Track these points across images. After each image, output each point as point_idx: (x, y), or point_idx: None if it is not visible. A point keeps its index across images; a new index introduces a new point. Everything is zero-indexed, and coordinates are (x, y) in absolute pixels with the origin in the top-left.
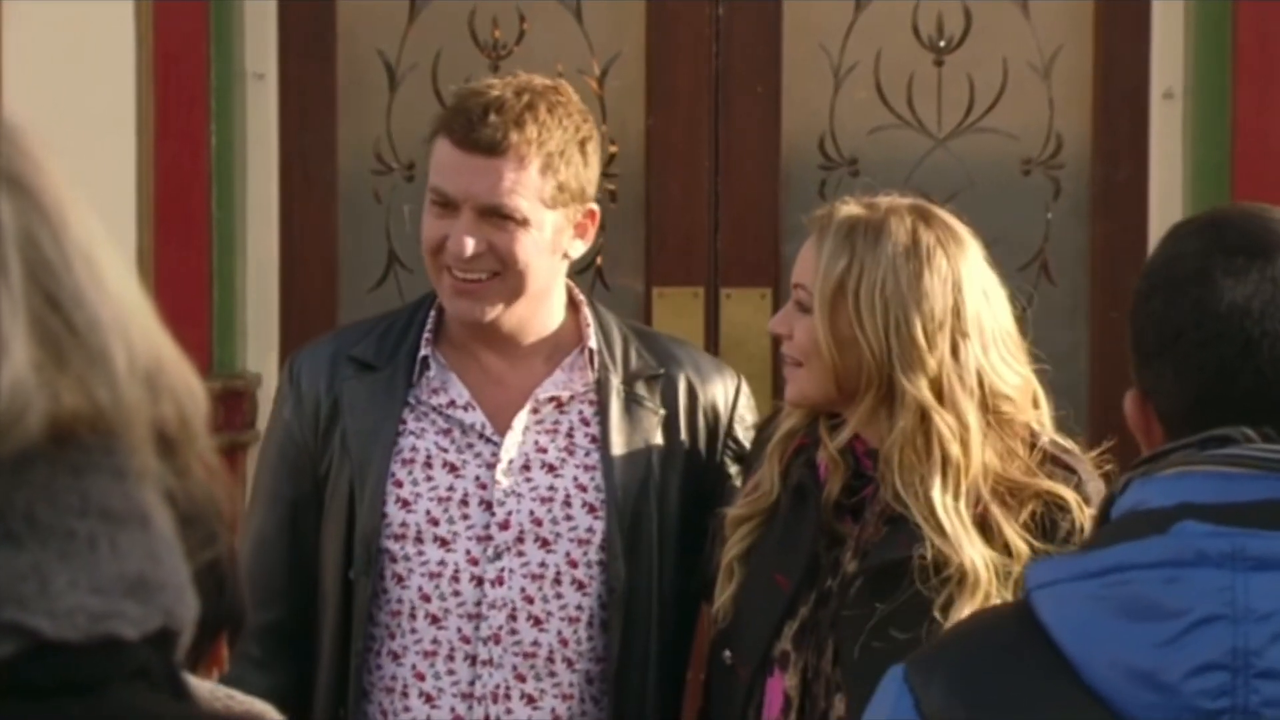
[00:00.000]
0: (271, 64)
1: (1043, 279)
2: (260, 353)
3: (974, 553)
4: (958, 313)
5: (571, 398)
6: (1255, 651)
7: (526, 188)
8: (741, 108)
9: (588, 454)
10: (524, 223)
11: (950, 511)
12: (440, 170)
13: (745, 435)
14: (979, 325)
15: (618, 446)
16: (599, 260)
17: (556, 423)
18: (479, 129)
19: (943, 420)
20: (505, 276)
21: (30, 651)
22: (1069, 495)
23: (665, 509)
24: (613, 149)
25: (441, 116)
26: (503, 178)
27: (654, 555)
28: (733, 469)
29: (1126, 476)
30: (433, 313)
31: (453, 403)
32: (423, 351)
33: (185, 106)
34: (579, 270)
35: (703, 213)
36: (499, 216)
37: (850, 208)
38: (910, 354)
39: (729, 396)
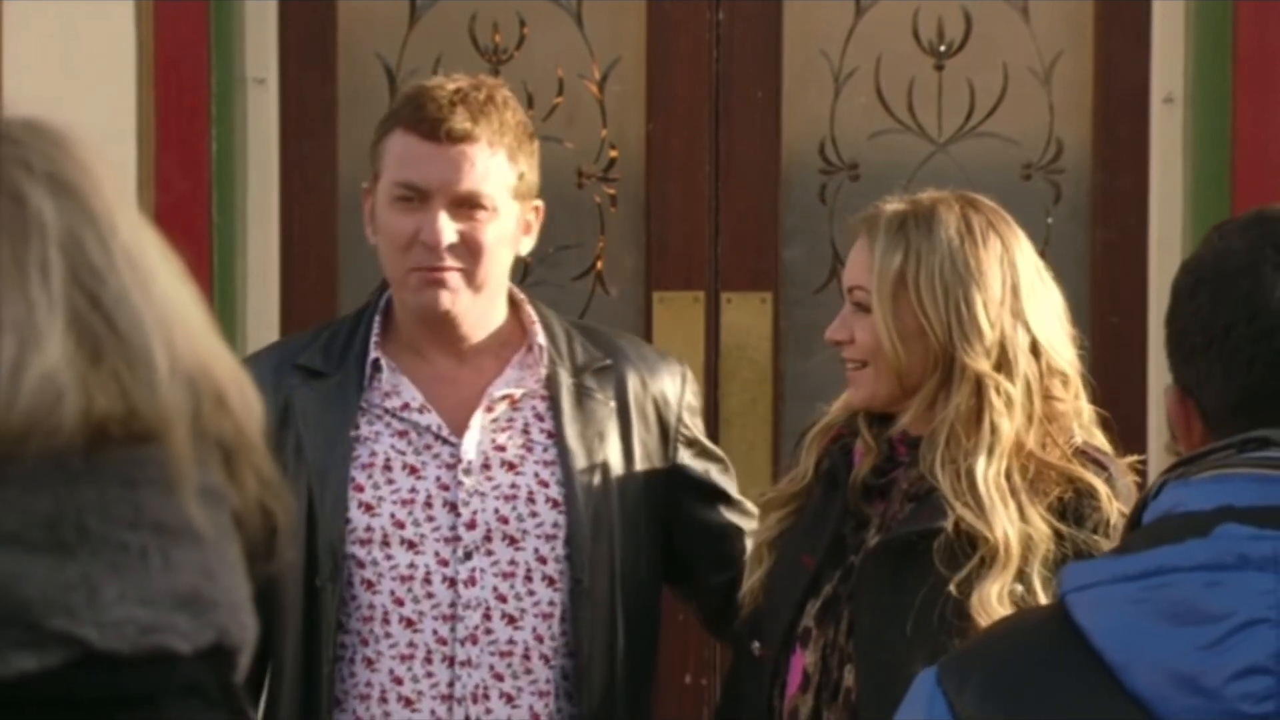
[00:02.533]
0: (272, 69)
1: None
2: None
3: (1008, 525)
4: (1015, 290)
5: (524, 395)
6: None
7: (497, 176)
8: (742, 112)
9: (545, 449)
10: (494, 211)
11: (990, 484)
12: (407, 163)
13: (694, 423)
14: (1035, 302)
15: (574, 440)
16: (599, 265)
17: (511, 420)
18: (449, 119)
19: (997, 391)
20: (473, 267)
21: (78, 662)
22: (1100, 486)
23: (624, 500)
24: (613, 154)
25: (398, 112)
26: (475, 165)
27: (615, 546)
28: (685, 456)
29: (1161, 479)
30: (378, 317)
31: (407, 405)
32: (373, 355)
33: (186, 111)
34: (578, 275)
35: (703, 217)
36: (470, 206)
37: (895, 204)
38: (972, 333)
39: (677, 386)
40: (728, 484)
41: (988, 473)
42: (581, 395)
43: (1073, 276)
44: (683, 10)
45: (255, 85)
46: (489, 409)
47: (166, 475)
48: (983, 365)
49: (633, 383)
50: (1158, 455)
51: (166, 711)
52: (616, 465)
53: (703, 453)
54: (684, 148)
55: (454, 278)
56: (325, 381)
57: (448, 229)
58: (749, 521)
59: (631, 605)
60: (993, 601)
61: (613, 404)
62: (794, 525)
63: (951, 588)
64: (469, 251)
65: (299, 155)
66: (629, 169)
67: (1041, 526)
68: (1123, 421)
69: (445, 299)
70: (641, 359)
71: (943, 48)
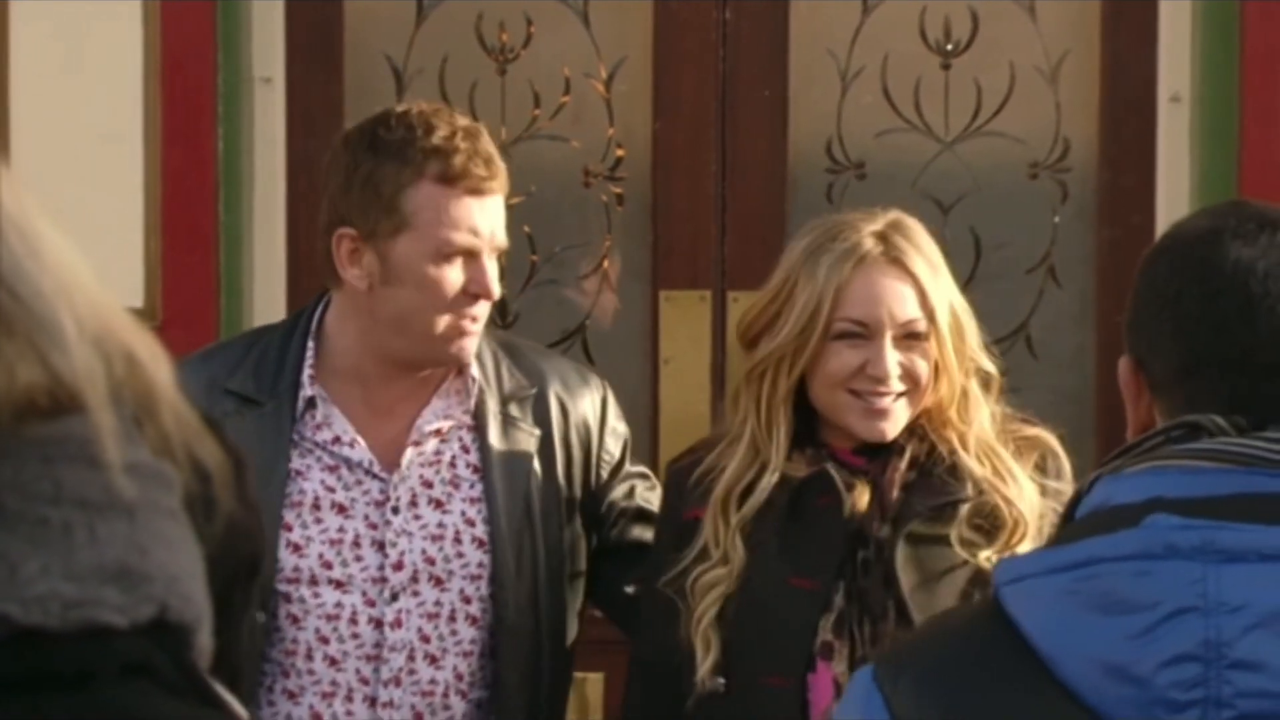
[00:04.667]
0: (278, 68)
1: (1049, 282)
2: None
3: (1028, 487)
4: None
5: (451, 427)
6: (1227, 643)
7: None
8: (748, 111)
9: (472, 485)
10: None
11: (1007, 457)
12: (459, 221)
13: (616, 445)
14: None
15: (499, 476)
16: (605, 264)
17: (438, 454)
18: (486, 173)
19: (974, 392)
20: (486, 313)
21: (6, 641)
22: (1052, 438)
23: (547, 532)
24: (619, 153)
25: (420, 164)
26: (501, 214)
27: (540, 581)
28: (607, 480)
29: (1095, 474)
30: (310, 343)
31: (338, 439)
32: (308, 391)
33: (192, 111)
34: (584, 274)
35: (709, 216)
36: (499, 254)
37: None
38: (966, 351)
39: (597, 409)
40: (650, 499)
41: (1000, 446)
42: (507, 425)
43: (1079, 275)
44: (689, 9)
45: (262, 84)
46: (417, 444)
47: (88, 451)
48: (978, 360)
49: (555, 410)
50: None
51: (105, 693)
52: (541, 498)
53: (624, 475)
54: (690, 147)
55: (480, 326)
56: (259, 411)
57: (496, 281)
58: None
59: (554, 631)
60: None
61: (537, 433)
62: (752, 568)
63: (988, 557)
64: (490, 298)
65: (305, 154)
66: (635, 168)
67: (1033, 487)
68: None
69: (471, 347)
70: (564, 383)
71: (949, 47)
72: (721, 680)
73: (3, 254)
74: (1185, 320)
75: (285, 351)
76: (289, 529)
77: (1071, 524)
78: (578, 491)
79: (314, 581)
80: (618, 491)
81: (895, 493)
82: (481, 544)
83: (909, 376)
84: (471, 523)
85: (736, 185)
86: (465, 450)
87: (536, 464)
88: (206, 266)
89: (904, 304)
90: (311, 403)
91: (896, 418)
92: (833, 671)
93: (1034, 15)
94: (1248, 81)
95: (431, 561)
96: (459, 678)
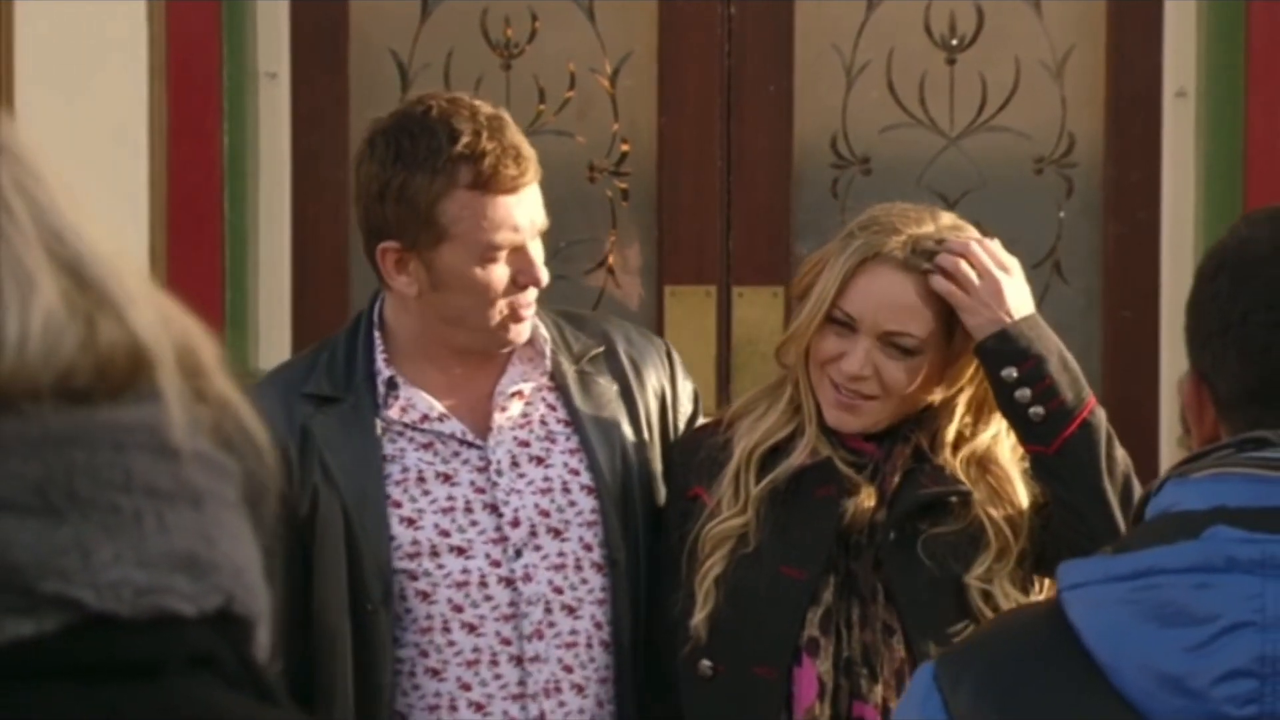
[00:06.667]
0: (284, 63)
1: (1055, 278)
2: (272, 353)
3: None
4: None
5: (533, 389)
6: None
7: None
8: (753, 107)
9: (568, 439)
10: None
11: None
12: (496, 224)
13: (688, 399)
14: None
15: (591, 426)
16: (610, 259)
17: (526, 416)
18: (517, 171)
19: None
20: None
21: (76, 628)
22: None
23: (642, 480)
24: (624, 148)
25: (461, 171)
26: (537, 200)
27: (639, 526)
28: (681, 429)
29: (1164, 477)
30: (376, 334)
31: (426, 417)
32: (386, 372)
33: (198, 106)
34: (590, 269)
35: (715, 211)
36: (540, 233)
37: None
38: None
39: (665, 364)
40: None
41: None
42: (586, 381)
43: (1085, 271)
44: (694, 5)
45: (267, 80)
46: (503, 408)
47: (157, 439)
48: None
49: (627, 364)
50: (1169, 449)
51: (172, 684)
52: (631, 446)
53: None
54: (695, 142)
55: (532, 310)
56: (339, 405)
57: (542, 267)
58: None
59: (649, 581)
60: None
61: (615, 388)
62: (754, 545)
63: (979, 573)
64: (540, 285)
65: (310, 149)
66: (640, 163)
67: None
68: (1134, 415)
69: (526, 330)
70: (629, 341)
71: (954, 42)
72: (709, 664)
73: (67, 220)
74: (1252, 344)
75: (353, 348)
76: (399, 505)
77: (1136, 529)
78: (658, 441)
79: (435, 553)
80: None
81: (895, 479)
82: (591, 491)
83: (882, 383)
84: (576, 472)
85: (741, 181)
86: (551, 409)
87: (623, 414)
88: (212, 261)
89: (896, 313)
90: (392, 385)
91: (866, 415)
92: (816, 669)
93: (1039, 10)
94: (1253, 77)
95: (546, 514)
96: (598, 626)
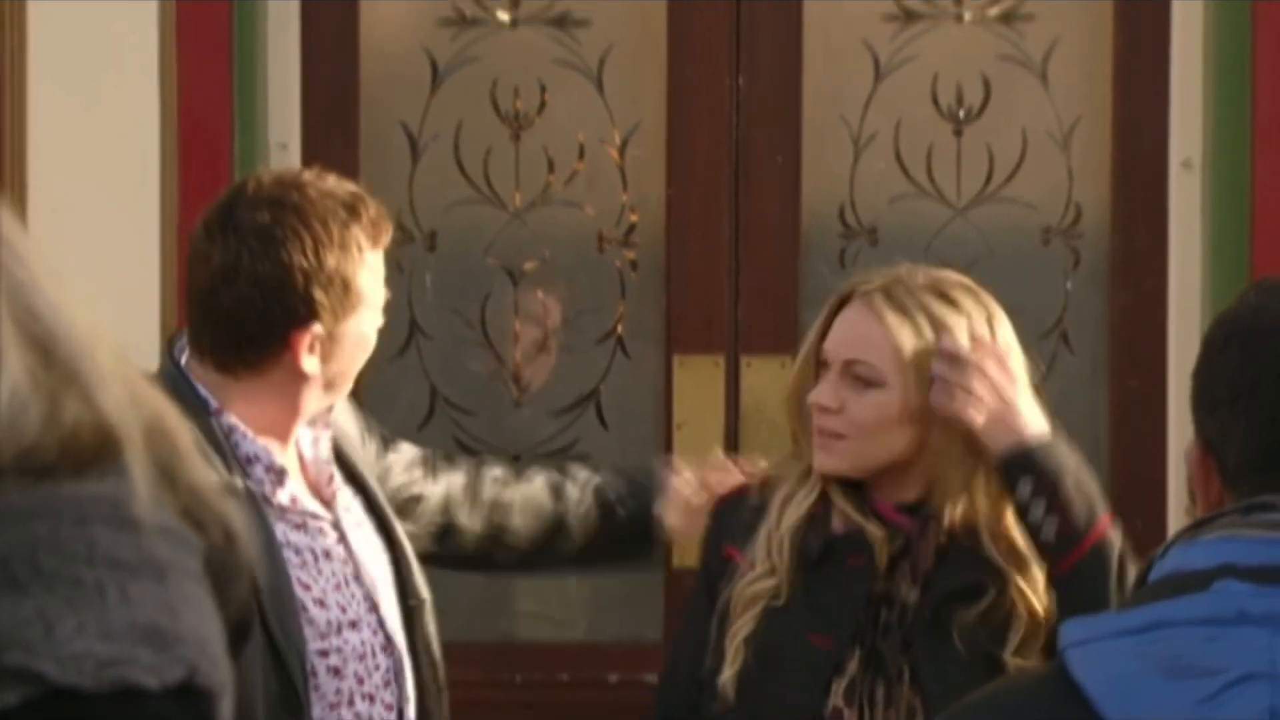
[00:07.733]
0: (294, 134)
1: (1062, 348)
2: None
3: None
4: None
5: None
6: None
7: None
8: (761, 177)
9: (353, 495)
10: None
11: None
12: (381, 278)
13: (371, 435)
14: None
15: (367, 476)
16: (619, 328)
17: (333, 477)
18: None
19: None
20: None
21: (38, 701)
22: None
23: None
24: (633, 218)
25: (362, 228)
26: None
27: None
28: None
29: (1169, 542)
30: (230, 415)
31: (295, 499)
32: (275, 461)
33: (209, 177)
34: (599, 339)
35: (723, 281)
36: None
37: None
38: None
39: (350, 415)
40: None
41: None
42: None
43: (1092, 339)
44: (703, 75)
45: (278, 150)
46: (330, 476)
47: (120, 512)
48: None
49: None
50: (1177, 518)
51: None
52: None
53: (384, 443)
54: (704, 212)
55: None
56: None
57: None
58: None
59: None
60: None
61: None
62: (780, 611)
63: (1017, 651)
64: None
65: None
66: (649, 233)
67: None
68: (1142, 486)
69: None
70: None
71: (962, 113)
72: None
73: (41, 297)
74: (1261, 413)
75: (209, 429)
76: (307, 588)
77: (1141, 589)
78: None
79: (339, 630)
80: (400, 458)
81: (930, 559)
82: (397, 543)
83: (849, 419)
84: (383, 523)
85: (750, 250)
86: (328, 463)
87: (370, 456)
88: None
89: (853, 342)
90: (281, 473)
91: (839, 456)
92: None
93: (1046, 81)
94: (1259, 147)
95: (386, 573)
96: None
